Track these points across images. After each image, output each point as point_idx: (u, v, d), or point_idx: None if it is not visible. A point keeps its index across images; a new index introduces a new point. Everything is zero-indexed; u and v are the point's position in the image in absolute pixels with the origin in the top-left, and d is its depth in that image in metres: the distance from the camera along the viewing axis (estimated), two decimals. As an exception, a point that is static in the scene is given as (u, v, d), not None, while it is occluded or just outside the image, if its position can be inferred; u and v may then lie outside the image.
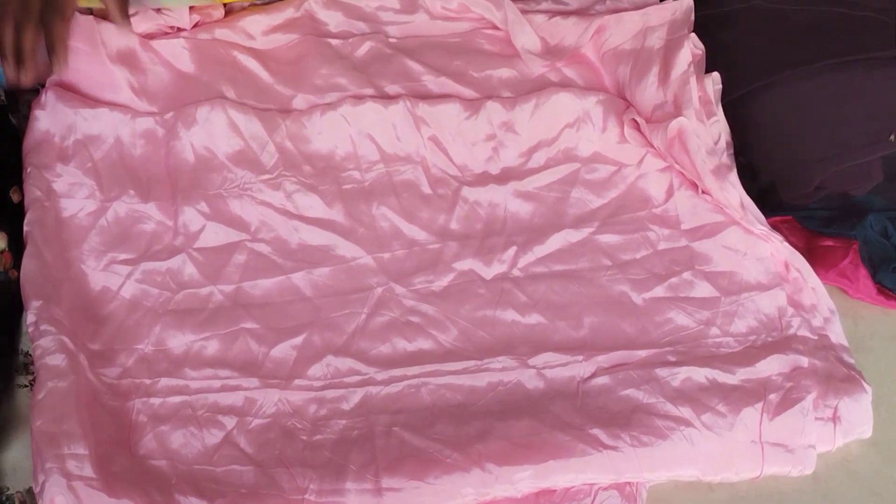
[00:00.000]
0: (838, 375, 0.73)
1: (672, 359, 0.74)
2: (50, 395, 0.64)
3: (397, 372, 0.73)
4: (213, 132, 0.82)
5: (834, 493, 0.70)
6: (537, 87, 0.89)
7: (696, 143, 0.81)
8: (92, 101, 0.82)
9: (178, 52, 0.87)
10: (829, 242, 0.83)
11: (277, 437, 0.69)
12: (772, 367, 0.73)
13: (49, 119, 0.80)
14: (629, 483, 0.68)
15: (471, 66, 0.90)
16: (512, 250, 0.80)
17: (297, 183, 0.81)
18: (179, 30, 0.89)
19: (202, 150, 0.82)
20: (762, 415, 0.70)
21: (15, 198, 0.78)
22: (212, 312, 0.75)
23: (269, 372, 0.72)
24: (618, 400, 0.71)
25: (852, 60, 0.82)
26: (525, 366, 0.73)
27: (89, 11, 0.83)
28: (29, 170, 0.78)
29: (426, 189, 0.83)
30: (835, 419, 0.71)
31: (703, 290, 0.78)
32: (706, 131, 0.82)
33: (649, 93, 0.85)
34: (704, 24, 0.88)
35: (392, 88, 0.88)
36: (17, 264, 0.73)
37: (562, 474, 0.66)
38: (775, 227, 0.83)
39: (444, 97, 0.87)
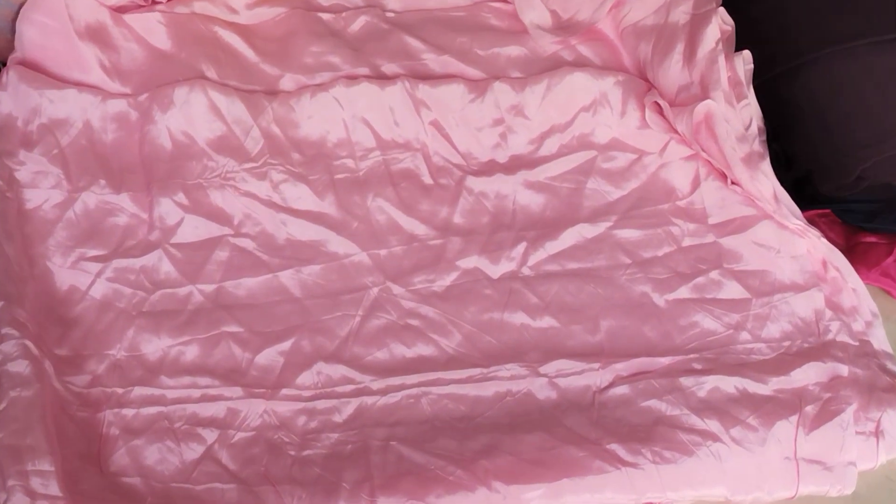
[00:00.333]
0: (881, 385, 0.73)
1: (698, 366, 0.73)
2: (12, 405, 0.64)
3: (395, 380, 0.72)
4: (193, 116, 0.81)
5: (877, 514, 0.70)
6: (549, 67, 0.88)
7: (724, 129, 0.80)
8: (58, 82, 0.82)
9: (153, 28, 0.86)
10: (872, 239, 0.82)
11: (263, 451, 0.68)
12: (808, 375, 0.72)
13: (11, 101, 0.80)
14: (650, 503, 0.67)
15: (476, 43, 0.90)
16: (521, 246, 0.80)
17: (284, 172, 0.81)
18: (155, 3, 0.89)
19: (180, 136, 0.81)
20: (797, 429, 0.69)
21: (-26, 188, 0.77)
22: (191, 315, 0.75)
23: (254, 380, 0.72)
24: (638, 412, 0.70)
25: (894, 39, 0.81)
26: (536, 374, 0.73)
27: None
28: (-11, 157, 0.78)
29: (427, 179, 0.83)
30: (877, 433, 0.71)
31: (733, 290, 0.78)
32: (736, 115, 0.82)
33: (673, 73, 0.85)
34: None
35: (389, 68, 0.87)
36: (-24, 261, 0.73)
37: (576, 494, 0.66)
38: (812, 221, 0.83)
39: (446, 77, 0.87)
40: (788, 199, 0.81)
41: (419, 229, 0.81)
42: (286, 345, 0.74)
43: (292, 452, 0.68)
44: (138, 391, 0.71)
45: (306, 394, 0.72)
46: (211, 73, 0.85)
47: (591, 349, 0.75)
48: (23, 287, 0.72)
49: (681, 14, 0.87)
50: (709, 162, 0.84)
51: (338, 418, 0.71)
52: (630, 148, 0.85)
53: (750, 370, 0.73)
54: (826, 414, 0.70)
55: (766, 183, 0.80)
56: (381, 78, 0.86)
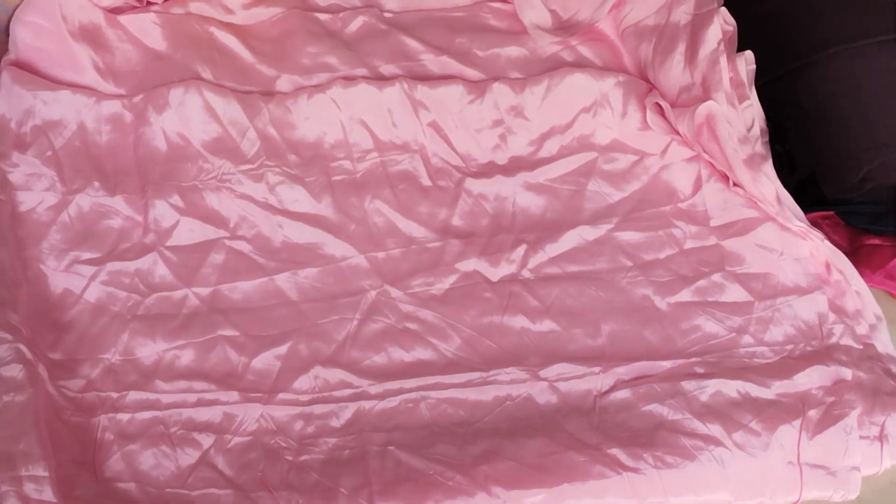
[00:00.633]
0: (885, 389, 0.73)
1: (700, 370, 0.74)
2: (6, 409, 0.64)
3: (393, 385, 0.73)
4: (188, 117, 0.82)
5: (882, 520, 0.70)
6: (549, 68, 0.89)
7: (726, 131, 0.81)
8: (52, 83, 0.82)
9: (147, 28, 0.87)
10: (876, 241, 0.83)
11: (259, 457, 0.69)
12: (811, 379, 0.73)
13: (4, 103, 0.80)
14: (652, 509, 0.68)
15: (475, 43, 0.90)
16: (521, 249, 0.80)
17: (280, 174, 0.81)
18: (149, 3, 0.89)
19: (175, 138, 0.82)
20: (801, 433, 0.69)
21: (-34, 190, 0.78)
22: (186, 318, 0.75)
23: (251, 385, 0.72)
24: (639, 416, 0.71)
25: None
26: (536, 378, 0.73)
27: None
28: (-18, 159, 0.78)
29: (425, 181, 0.83)
30: (882, 438, 0.71)
31: (735, 293, 0.78)
32: (738, 117, 0.82)
33: (674, 74, 0.85)
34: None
35: (387, 69, 0.88)
36: (-32, 264, 0.73)
37: (577, 499, 0.66)
38: (815, 223, 0.83)
39: (445, 78, 0.87)
40: (791, 201, 0.81)
41: (417, 232, 0.81)
42: (283, 349, 0.74)
43: (289, 458, 0.69)
44: (133, 396, 0.71)
45: (303, 398, 0.72)
46: (206, 73, 0.85)
47: (592, 353, 0.75)
48: (16, 290, 0.72)
49: (682, 14, 0.87)
50: (710, 163, 0.84)
51: (335, 423, 0.71)
52: (631, 149, 0.86)
53: (752, 374, 0.73)
54: (829, 418, 0.70)
55: (768, 185, 0.81)
56: (379, 79, 0.86)
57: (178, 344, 0.74)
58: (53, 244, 0.77)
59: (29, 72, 0.83)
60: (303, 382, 0.73)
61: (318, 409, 0.71)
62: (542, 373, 0.74)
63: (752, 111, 0.84)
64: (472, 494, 0.66)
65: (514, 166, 0.85)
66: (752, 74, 0.85)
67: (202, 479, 0.67)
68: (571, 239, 0.81)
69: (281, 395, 0.72)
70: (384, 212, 0.82)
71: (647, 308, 0.77)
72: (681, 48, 0.86)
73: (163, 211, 0.79)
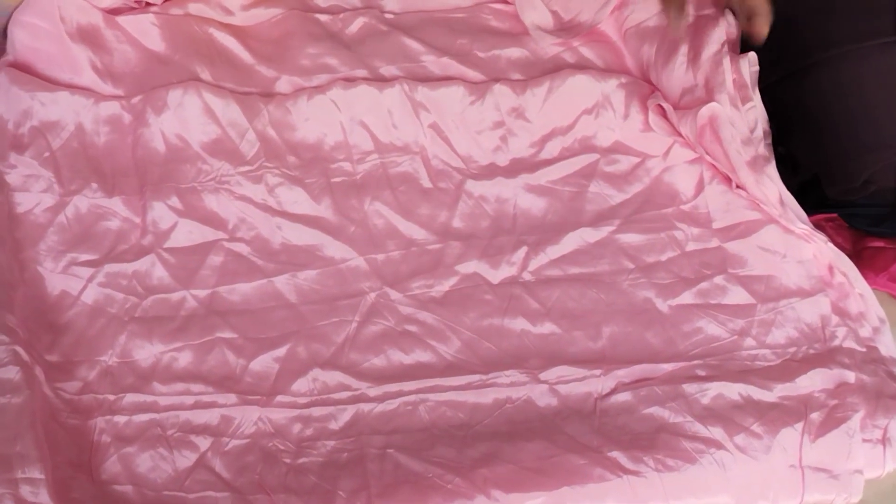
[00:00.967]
0: (889, 392, 0.73)
1: (701, 373, 0.74)
2: (2, 412, 0.65)
3: (392, 387, 0.73)
4: (187, 118, 0.82)
5: (885, 524, 0.70)
6: (551, 69, 0.89)
7: (729, 132, 0.81)
8: (50, 84, 0.83)
9: (146, 29, 0.87)
10: (879, 243, 0.83)
11: (257, 459, 0.69)
12: (814, 382, 0.73)
13: (2, 103, 0.81)
14: (653, 512, 0.68)
15: (476, 44, 0.90)
16: (522, 251, 0.80)
17: (280, 175, 0.82)
18: (148, 4, 0.89)
19: (174, 139, 0.82)
20: (803, 436, 0.70)
21: (-36, 191, 0.78)
22: (184, 320, 0.75)
23: (249, 387, 0.73)
24: (640, 419, 0.71)
25: None
26: (536, 380, 0.73)
27: None
28: (-21, 160, 0.79)
29: (426, 182, 0.84)
30: (884, 441, 0.71)
31: (737, 296, 0.78)
32: (741, 118, 0.82)
33: (677, 75, 0.86)
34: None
35: (388, 70, 0.88)
36: (-35, 266, 0.73)
37: (577, 502, 0.67)
38: (819, 225, 0.83)
39: (446, 80, 0.87)
40: (794, 203, 0.81)
41: (418, 234, 0.81)
42: (281, 351, 0.74)
43: (287, 460, 0.69)
44: (130, 398, 0.71)
45: (302, 401, 0.72)
46: (205, 75, 0.85)
47: (593, 355, 0.75)
48: (13, 292, 0.72)
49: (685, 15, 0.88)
50: (713, 165, 0.84)
51: (334, 426, 0.71)
52: (633, 151, 0.86)
53: (755, 376, 0.73)
54: (832, 421, 0.70)
55: (771, 187, 0.81)
56: (380, 80, 0.86)
57: (176, 346, 0.74)
58: (51, 246, 0.77)
59: (27, 73, 0.83)
60: (301, 385, 0.73)
61: (317, 411, 0.72)
62: (543, 375, 0.74)
63: (756, 112, 0.84)
64: (472, 497, 0.66)
65: (515, 168, 0.85)
66: (755, 76, 0.86)
67: (199, 482, 0.68)
68: (573, 241, 0.81)
69: (279, 398, 0.72)
70: (384, 213, 0.82)
71: (648, 310, 0.78)
72: (684, 50, 0.86)
73: (161, 213, 0.79)
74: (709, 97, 0.83)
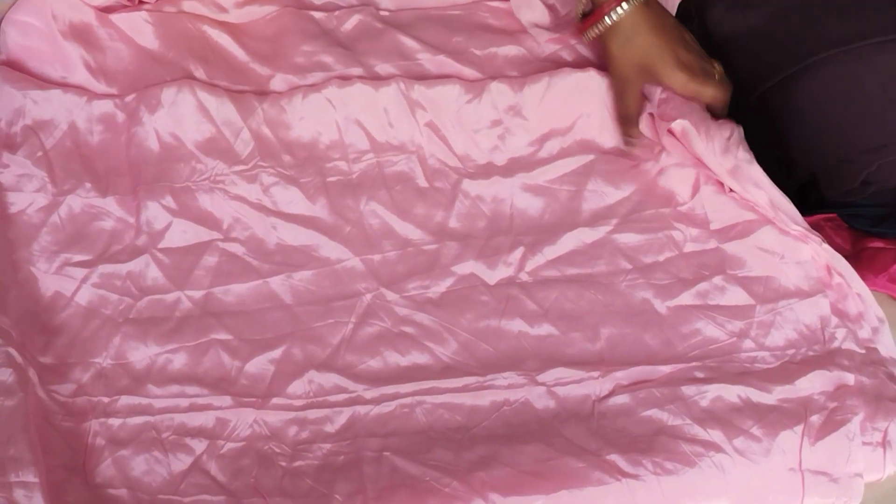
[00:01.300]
0: (888, 394, 0.73)
1: (700, 375, 0.74)
2: (-5, 415, 0.65)
3: (389, 389, 0.73)
4: (181, 117, 0.82)
5: (884, 527, 0.71)
6: (548, 67, 0.89)
7: (703, 146, 0.81)
8: (43, 82, 0.83)
9: (139, 27, 0.87)
10: (879, 244, 0.83)
11: (253, 462, 0.69)
12: (813, 384, 0.73)
13: (-7, 102, 0.81)
14: (651, 515, 0.68)
15: (472, 42, 0.90)
16: (519, 251, 0.80)
17: (275, 175, 0.82)
18: (141, 2, 0.89)
19: (168, 138, 0.82)
20: (803, 439, 0.70)
21: (-45, 191, 0.78)
22: (179, 322, 0.75)
23: (244, 389, 0.73)
24: (638, 422, 0.71)
25: None
26: (534, 383, 0.73)
27: None
28: (-29, 160, 0.78)
29: (422, 182, 0.84)
30: (885, 444, 0.71)
31: (736, 296, 0.78)
32: (717, 128, 0.82)
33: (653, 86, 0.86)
34: (734, 3, 0.88)
35: (383, 68, 0.88)
36: (-43, 267, 0.73)
37: (575, 505, 0.67)
38: (818, 226, 0.83)
39: (442, 78, 0.87)
40: (788, 204, 0.81)
41: (414, 234, 0.81)
42: (277, 353, 0.74)
43: (283, 464, 0.69)
44: (125, 400, 0.71)
45: (297, 403, 0.72)
46: (199, 73, 0.85)
47: (591, 357, 0.75)
48: (6, 293, 0.72)
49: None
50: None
51: (330, 428, 0.71)
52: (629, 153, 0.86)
53: (754, 379, 0.73)
54: (832, 424, 0.70)
55: (757, 192, 0.80)
56: (375, 78, 0.86)
57: (171, 348, 0.74)
58: (44, 246, 0.77)
59: (19, 71, 0.83)
60: (297, 387, 0.73)
61: (313, 414, 0.72)
62: (540, 377, 0.74)
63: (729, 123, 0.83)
64: (469, 501, 0.66)
65: (512, 167, 0.85)
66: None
67: (195, 486, 0.67)
68: (570, 241, 0.81)
69: (275, 400, 0.72)
70: (380, 213, 0.82)
71: (646, 312, 0.78)
72: None
73: (155, 212, 0.79)
74: (683, 106, 0.83)
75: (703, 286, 0.79)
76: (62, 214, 0.78)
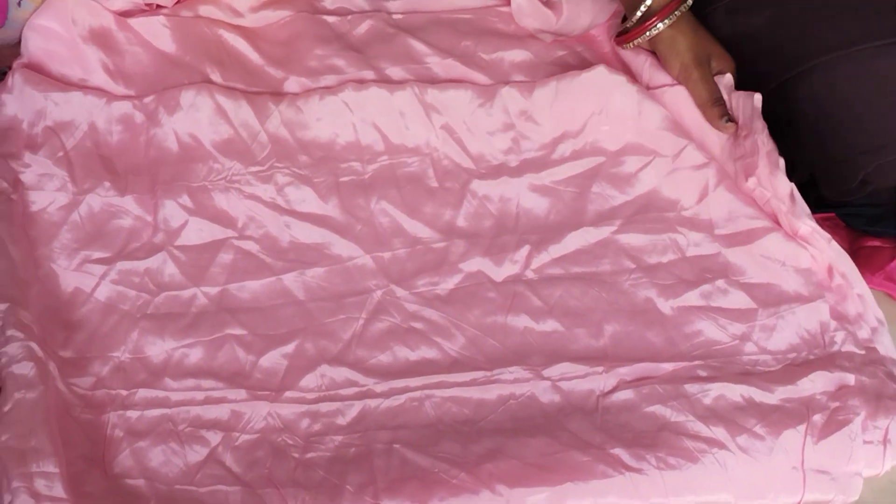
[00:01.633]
0: (888, 393, 0.72)
1: (703, 374, 0.73)
2: (17, 407, 0.64)
3: (398, 383, 0.72)
4: (199, 119, 0.82)
5: (881, 519, 0.70)
6: (554, 72, 0.88)
7: (761, 122, 0.80)
8: (63, 84, 0.82)
9: (157, 31, 0.87)
10: (876, 243, 0.82)
11: (267, 454, 0.68)
12: (815, 385, 0.72)
13: (16, 104, 0.80)
14: (653, 508, 0.67)
15: (480, 47, 0.90)
16: (525, 250, 0.80)
17: (290, 175, 0.81)
18: (159, 7, 0.89)
19: (187, 138, 0.81)
20: (805, 438, 0.69)
21: (-21, 190, 0.78)
22: (195, 317, 0.75)
23: (258, 383, 0.72)
24: (642, 417, 0.70)
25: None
26: (539, 377, 0.73)
27: None
28: (-6, 159, 0.78)
29: (432, 182, 0.83)
30: (885, 442, 0.70)
31: (739, 300, 0.77)
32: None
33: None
34: (734, 8, 0.87)
35: (393, 71, 0.87)
36: (-20, 263, 0.73)
37: (579, 498, 0.66)
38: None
39: (453, 82, 0.87)
40: (802, 201, 0.79)
41: (423, 232, 0.81)
42: (290, 347, 0.74)
43: (296, 455, 0.68)
44: (142, 393, 0.70)
45: (310, 396, 0.71)
46: (216, 75, 0.85)
47: (595, 353, 0.75)
48: (27, 289, 0.72)
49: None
50: (721, 170, 0.83)
51: (341, 421, 0.70)
52: (644, 150, 0.84)
53: (756, 379, 0.72)
54: (834, 423, 0.69)
55: (784, 180, 0.79)
56: (389, 82, 0.86)
57: (187, 342, 0.73)
58: (64, 243, 0.76)
59: (40, 74, 0.82)
60: (309, 381, 0.72)
61: (325, 407, 0.71)
62: (546, 372, 0.73)
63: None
64: (477, 492, 0.65)
65: (522, 169, 0.84)
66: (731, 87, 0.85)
67: (210, 476, 0.67)
68: (574, 240, 0.80)
69: (288, 394, 0.71)
70: (390, 212, 0.81)
71: (649, 310, 0.77)
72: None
73: (172, 211, 0.78)
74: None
75: (706, 287, 0.78)
76: (82, 213, 0.78)
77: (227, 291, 0.76)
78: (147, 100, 0.82)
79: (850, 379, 0.72)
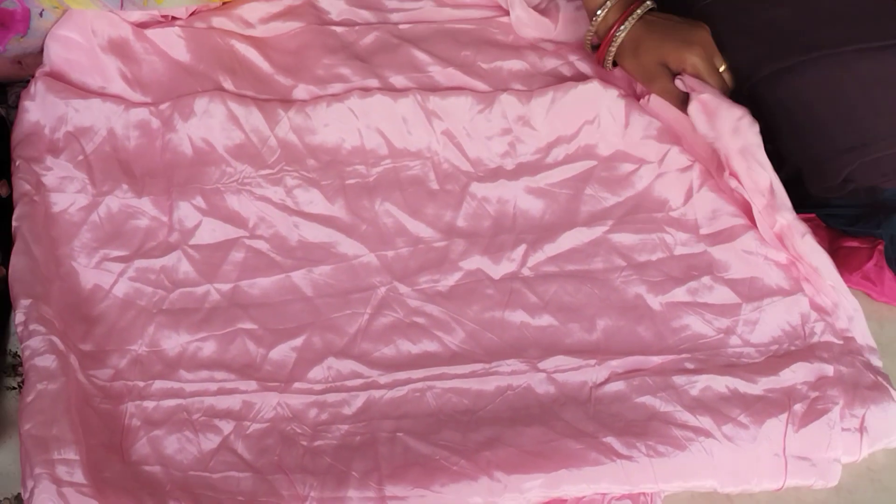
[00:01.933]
0: (865, 383, 0.73)
1: (690, 366, 0.73)
2: (39, 397, 0.64)
3: (401, 375, 0.73)
4: (212, 125, 0.82)
5: (859, 504, 0.70)
6: (551, 82, 0.89)
7: (719, 123, 0.79)
8: (83, 92, 0.83)
9: (172, 41, 0.87)
10: (854, 243, 0.82)
11: (276, 442, 0.69)
12: (796, 375, 0.72)
13: (39, 110, 0.81)
14: (643, 493, 0.68)
15: (479, 56, 0.90)
16: (521, 248, 0.80)
17: (298, 178, 0.82)
18: (174, 18, 0.89)
19: (200, 143, 0.82)
20: (787, 426, 0.69)
21: (3, 192, 0.78)
22: (208, 312, 0.75)
23: (268, 374, 0.72)
24: (633, 407, 0.70)
25: (884, 46, 0.81)
26: (535, 369, 0.73)
27: None
28: (18, 163, 0.79)
29: (434, 185, 0.84)
30: (861, 429, 0.70)
31: (723, 295, 0.78)
32: (728, 107, 0.79)
33: None
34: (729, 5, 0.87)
35: (396, 80, 0.88)
36: (5, 261, 0.73)
37: (573, 484, 0.66)
38: (798, 223, 0.82)
39: (454, 89, 0.87)
40: (783, 193, 0.79)
41: (424, 232, 0.81)
42: (298, 341, 0.74)
43: (304, 443, 0.69)
44: (158, 384, 0.71)
45: (317, 387, 0.72)
46: (228, 83, 0.85)
47: (588, 346, 0.75)
48: (49, 286, 0.72)
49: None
50: (705, 172, 0.83)
51: (347, 411, 0.71)
52: (632, 158, 0.85)
53: (740, 370, 0.73)
54: (814, 413, 0.70)
55: (762, 174, 0.78)
56: (392, 90, 0.86)
57: (201, 336, 0.74)
58: (84, 243, 0.77)
59: (62, 82, 0.83)
60: (317, 372, 0.73)
61: (332, 397, 0.71)
62: (541, 364, 0.73)
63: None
64: (476, 478, 0.66)
65: (518, 172, 0.85)
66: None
67: (223, 463, 0.67)
68: (568, 240, 0.81)
69: (296, 385, 0.72)
70: (393, 213, 0.82)
71: (639, 306, 0.77)
72: None
73: (186, 212, 0.79)
74: (699, 87, 0.81)
75: (692, 284, 0.78)
76: (101, 213, 0.78)
77: (238, 288, 0.76)
78: (163, 106, 0.83)
79: (829, 370, 0.72)
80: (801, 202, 0.83)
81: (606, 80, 0.89)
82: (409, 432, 0.69)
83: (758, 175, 0.79)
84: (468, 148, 0.85)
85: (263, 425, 0.70)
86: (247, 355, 0.73)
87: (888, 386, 0.73)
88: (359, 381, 0.72)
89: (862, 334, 0.76)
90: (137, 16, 0.86)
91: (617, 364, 0.73)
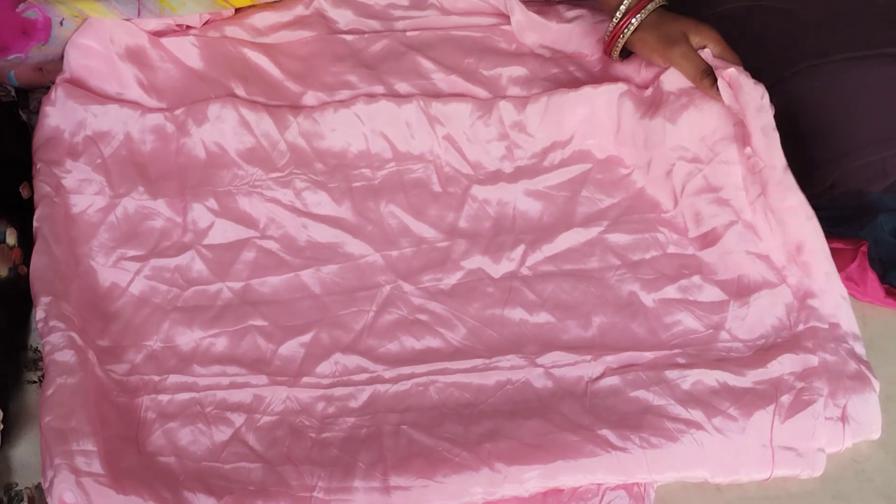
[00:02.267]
0: (848, 373, 0.72)
1: (681, 361, 0.73)
2: (59, 391, 0.64)
3: (405, 370, 0.72)
4: (224, 130, 0.82)
5: (843, 494, 0.70)
6: (548, 87, 0.88)
7: (745, 98, 0.77)
8: (101, 98, 0.83)
9: (187, 49, 0.87)
10: (838, 245, 0.82)
11: (286, 434, 0.68)
12: (783, 366, 0.72)
13: (59, 115, 0.81)
14: (637, 483, 0.67)
15: (482, 63, 0.90)
16: (520, 248, 0.80)
17: (307, 181, 0.81)
18: (189, 27, 0.89)
19: (213, 147, 0.82)
20: (774, 417, 0.69)
21: (25, 193, 0.78)
22: (220, 309, 0.75)
23: (278, 369, 0.72)
24: (627, 401, 0.70)
25: (866, 55, 0.81)
26: (533, 365, 0.73)
27: None
28: (38, 166, 0.78)
29: (436, 187, 0.83)
30: (844, 419, 0.70)
31: (712, 293, 0.77)
32: (754, 85, 0.78)
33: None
34: (726, 15, 0.87)
35: (401, 86, 0.87)
36: (26, 260, 0.73)
37: (570, 474, 0.66)
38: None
39: (455, 96, 0.87)
40: (791, 174, 0.77)
41: (428, 232, 0.81)
42: (307, 337, 0.74)
43: (312, 435, 0.68)
44: (173, 379, 0.71)
45: (325, 382, 0.72)
46: (240, 90, 0.85)
47: (584, 343, 0.75)
48: (68, 284, 0.72)
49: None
50: (686, 174, 0.82)
51: (353, 404, 0.70)
52: (623, 163, 0.85)
53: (730, 364, 0.72)
54: (799, 404, 0.69)
55: (780, 153, 0.77)
56: (397, 96, 0.86)
57: (213, 332, 0.73)
58: (102, 242, 0.76)
59: (81, 88, 0.83)
60: (324, 367, 0.72)
61: (338, 391, 0.71)
62: (539, 360, 0.73)
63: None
64: (477, 469, 0.66)
65: (517, 175, 0.84)
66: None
67: (234, 454, 0.67)
68: (565, 240, 0.81)
69: (305, 379, 0.72)
70: (398, 214, 0.81)
71: (633, 303, 0.77)
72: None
73: (200, 213, 0.79)
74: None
75: (683, 282, 0.78)
76: (118, 214, 0.78)
77: (249, 286, 0.76)
78: (177, 112, 0.82)
79: (814, 360, 0.72)
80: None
81: (605, 83, 0.88)
82: (413, 425, 0.69)
83: (775, 155, 0.77)
84: (468, 152, 0.85)
85: (273, 418, 0.69)
86: (257, 351, 0.73)
87: (870, 375, 0.72)
88: (364, 376, 0.72)
89: (847, 321, 0.75)
90: (154, 24, 0.86)
91: (612, 359, 0.73)
